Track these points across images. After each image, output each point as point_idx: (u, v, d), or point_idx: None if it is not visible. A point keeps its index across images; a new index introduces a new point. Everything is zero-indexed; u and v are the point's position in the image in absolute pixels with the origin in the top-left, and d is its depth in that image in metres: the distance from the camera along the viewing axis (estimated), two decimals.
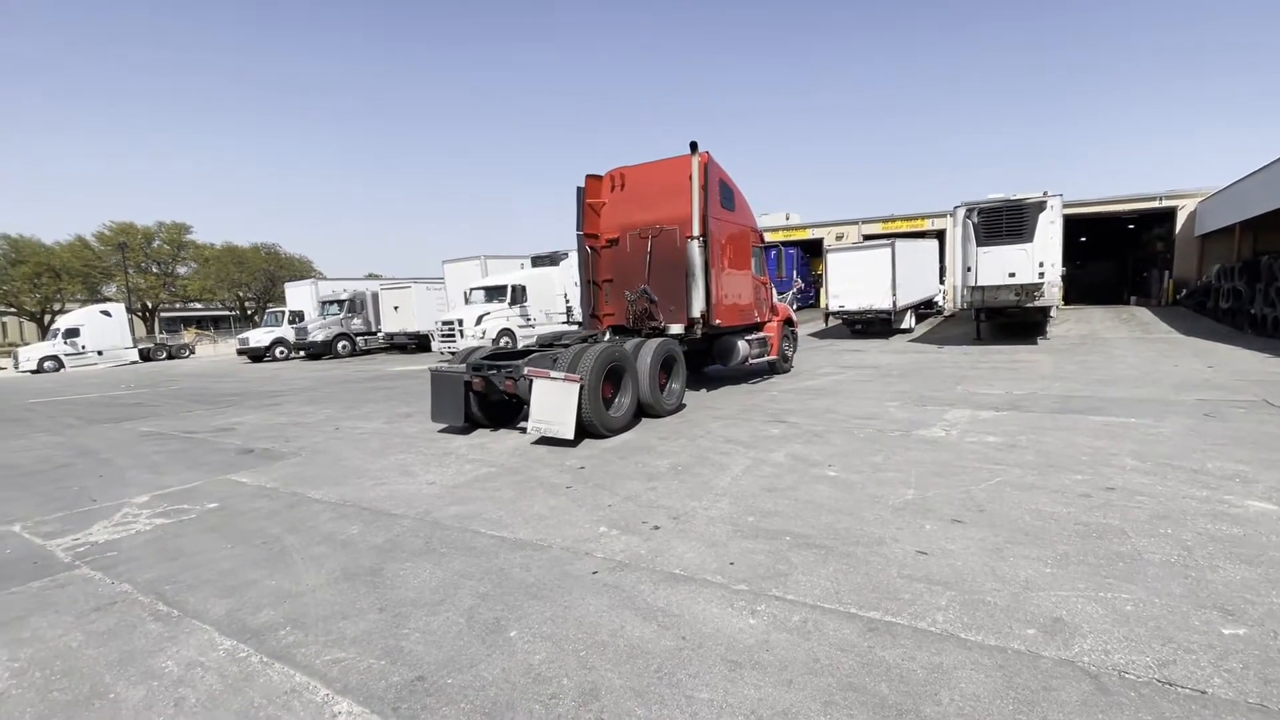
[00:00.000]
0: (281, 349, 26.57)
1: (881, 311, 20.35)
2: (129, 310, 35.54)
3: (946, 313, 28.32)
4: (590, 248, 10.84)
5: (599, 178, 10.89)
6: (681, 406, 9.26)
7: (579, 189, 10.72)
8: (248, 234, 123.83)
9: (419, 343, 25.12)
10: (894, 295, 19.96)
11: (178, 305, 59.32)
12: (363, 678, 2.79)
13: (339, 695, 2.66)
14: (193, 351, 36.26)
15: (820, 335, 22.82)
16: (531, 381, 7.21)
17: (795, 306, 33.96)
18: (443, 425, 8.60)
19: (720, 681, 2.65)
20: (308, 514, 5.21)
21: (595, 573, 3.78)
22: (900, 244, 20.77)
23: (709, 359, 11.38)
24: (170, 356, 33.68)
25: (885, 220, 34.99)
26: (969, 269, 16.28)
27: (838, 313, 21.41)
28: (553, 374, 7.10)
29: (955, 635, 2.91)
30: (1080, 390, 9.48)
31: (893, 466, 5.77)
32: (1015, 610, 3.11)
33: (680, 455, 6.59)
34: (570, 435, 6.94)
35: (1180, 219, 27.97)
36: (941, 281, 28.52)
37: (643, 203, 10.44)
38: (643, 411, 8.50)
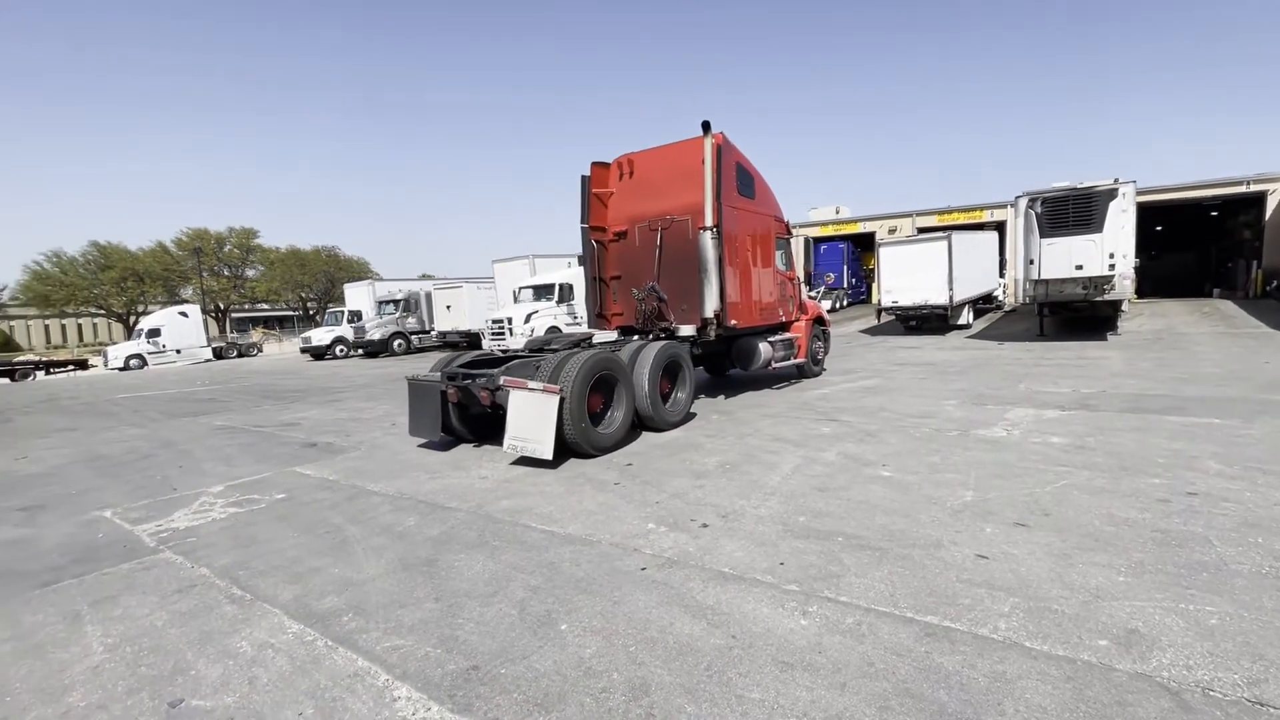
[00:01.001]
0: (341, 347, 27.68)
1: (937, 307, 19.64)
2: (203, 311, 37.77)
3: (1007, 308, 27.13)
4: (596, 242, 9.98)
5: (606, 165, 10.01)
6: (689, 417, 8.35)
7: (583, 178, 9.87)
8: (309, 237, 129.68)
9: (470, 341, 25.73)
10: (950, 290, 19.23)
11: (246, 306, 62.53)
12: (420, 664, 2.88)
13: (399, 681, 2.76)
14: (260, 350, 38.25)
15: (872, 332, 22.23)
16: (509, 392, 6.33)
17: (844, 303, 33.32)
18: (421, 440, 7.78)
19: (771, 682, 2.62)
20: (367, 506, 5.42)
21: (644, 569, 3.80)
22: (957, 236, 20.01)
23: (730, 362, 10.42)
24: (240, 354, 35.63)
25: (941, 212, 33.76)
26: (1031, 261, 15.51)
27: (891, 308, 20.79)
28: (530, 384, 6.20)
29: (1019, 644, 2.79)
30: (1156, 389, 8.92)
31: (950, 467, 5.57)
32: (1085, 620, 2.95)
33: (728, 453, 6.54)
34: (548, 455, 6.04)
35: (1270, 204, 25.93)
36: (1001, 275, 27.33)
37: (652, 191, 9.53)
38: (642, 425, 7.62)
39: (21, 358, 35.41)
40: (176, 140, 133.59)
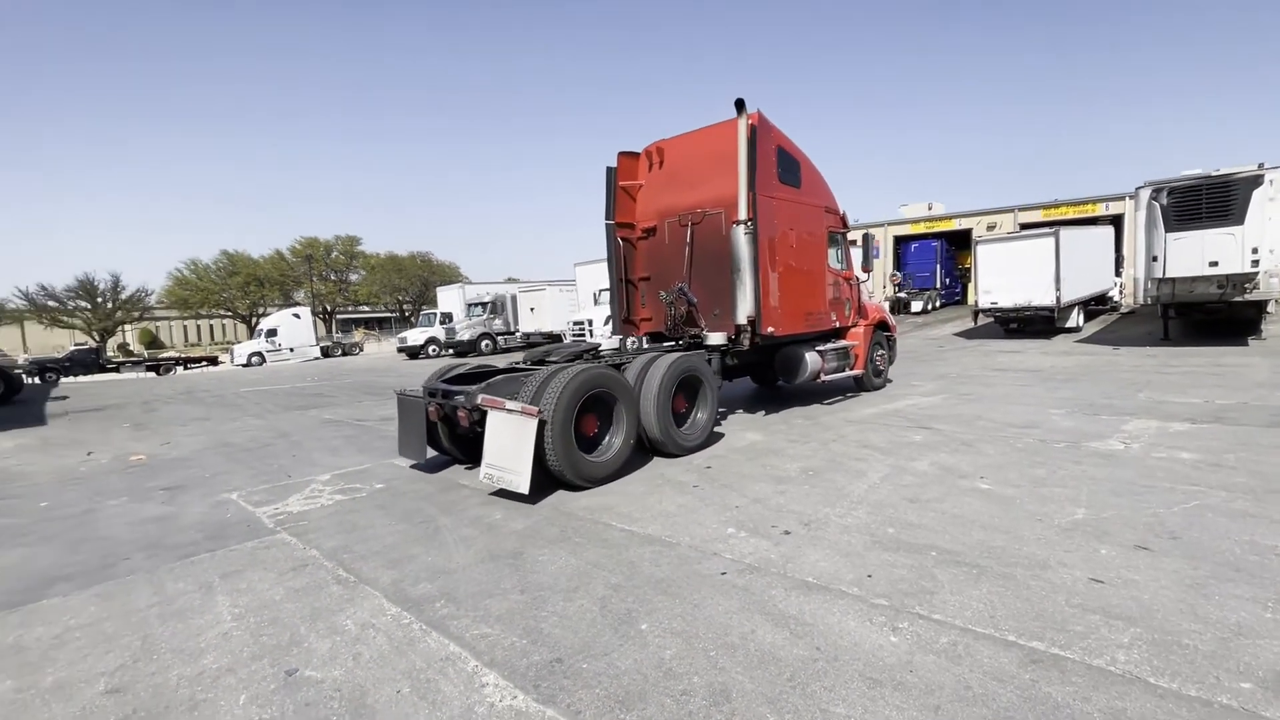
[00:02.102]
0: (434, 347, 29.24)
1: (1042, 308, 18.23)
2: (313, 313, 41.03)
3: (1124, 309, 24.76)
4: (623, 239, 9.13)
5: (635, 155, 9.17)
6: (713, 439, 7.26)
7: (609, 170, 9.01)
8: (406, 243, 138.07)
9: (553, 342, 26.52)
10: (1057, 290, 17.80)
11: (349, 308, 67.34)
12: (507, 654, 2.99)
13: (487, 668, 2.88)
14: (361, 349, 41.09)
15: (968, 335, 20.95)
16: (486, 413, 5.49)
17: (936, 304, 31.53)
18: (411, 462, 6.96)
19: (858, 698, 2.52)
20: (458, 498, 5.69)
21: (724, 574, 3.76)
22: (1066, 232, 18.49)
23: (773, 374, 9.27)
24: (344, 353, 38.42)
25: (1047, 206, 31.30)
26: (1155, 258, 14.05)
27: (989, 310, 19.50)
28: (508, 405, 5.28)
29: (1142, 679, 2.54)
30: None
31: (1058, 481, 5.15)
32: (1223, 658, 2.64)
33: (811, 459, 6.36)
34: (524, 489, 5.10)
35: None
36: (1118, 274, 24.98)
37: (684, 182, 8.60)
38: (653, 450, 6.67)
39: (165, 355, 39.90)
40: (293, 148, 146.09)
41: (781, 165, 8.15)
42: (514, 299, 29.29)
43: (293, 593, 3.81)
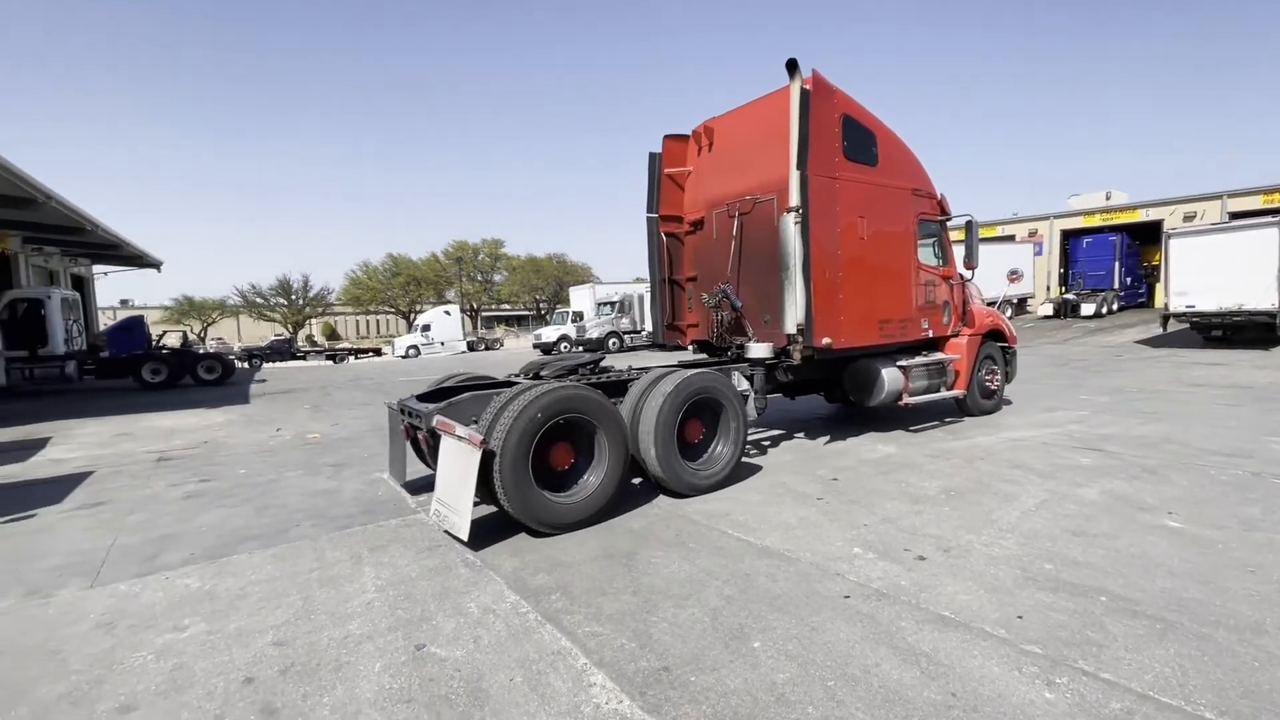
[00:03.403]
0: (565, 344, 30.65)
1: (1259, 313, 15.25)
2: (462, 310, 44.77)
3: None
4: (667, 234, 8.04)
5: (683, 139, 8.08)
6: (736, 474, 5.87)
7: (652, 156, 8.00)
8: (545, 244, 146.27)
9: None
10: None
11: (492, 306, 72.47)
12: (615, 655, 2.99)
13: (595, 667, 2.90)
14: (501, 344, 44.15)
15: (1154, 343, 18.08)
16: (440, 437, 4.70)
17: (1113, 307, 27.50)
18: (398, 480, 6.25)
19: None
20: None
21: (847, 597, 3.50)
22: None
23: (842, 391, 7.92)
24: (486, 348, 41.50)
25: (1268, 191, 26.13)
26: None
27: (1184, 314, 16.66)
28: (458, 430, 4.44)
29: None
30: None
31: (1278, 525, 4.23)
32: None
33: (953, 478, 5.78)
34: (463, 533, 4.28)
35: None
36: None
37: (734, 165, 7.41)
38: (659, 488, 5.59)
39: (340, 346, 45.58)
40: (439, 154, 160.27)
41: (849, 138, 6.74)
42: (640, 298, 29.90)
43: (426, 571, 4.11)
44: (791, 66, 6.32)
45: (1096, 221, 31.87)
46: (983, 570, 3.76)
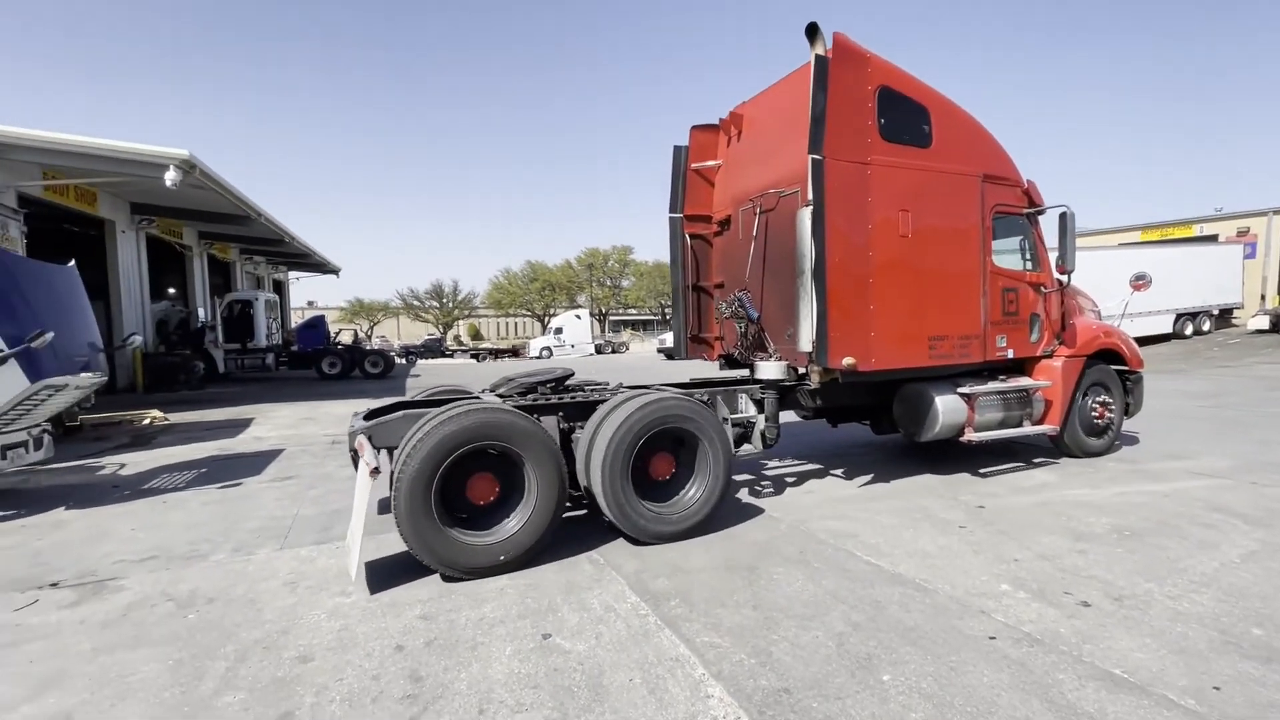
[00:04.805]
0: None
1: None
2: (591, 314, 46.65)
3: None
4: (693, 235, 7.15)
5: (711, 129, 7.08)
6: (704, 525, 4.82)
7: (677, 150, 7.09)
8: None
9: None
10: None
11: (620, 310, 74.65)
12: (734, 670, 2.95)
13: (714, 679, 2.88)
14: (628, 347, 45.36)
15: None
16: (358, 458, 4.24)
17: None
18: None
19: None
20: None
21: (993, 638, 3.18)
22: None
23: (889, 422, 6.72)
24: (613, 350, 42.92)
25: None
26: None
27: None
28: (365, 453, 4.10)
29: None
30: None
31: None
32: None
33: (1128, 514, 5.04)
34: (352, 571, 3.76)
35: None
36: None
37: (761, 154, 6.41)
38: (613, 527, 4.76)
39: (482, 346, 49.35)
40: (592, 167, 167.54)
41: (888, 114, 5.59)
42: None
43: (554, 564, 4.31)
44: (812, 31, 5.30)
45: None
46: (1166, 627, 3.24)
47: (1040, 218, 6.83)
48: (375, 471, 3.86)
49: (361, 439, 4.31)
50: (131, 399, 14.64)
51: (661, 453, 4.84)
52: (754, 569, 4.16)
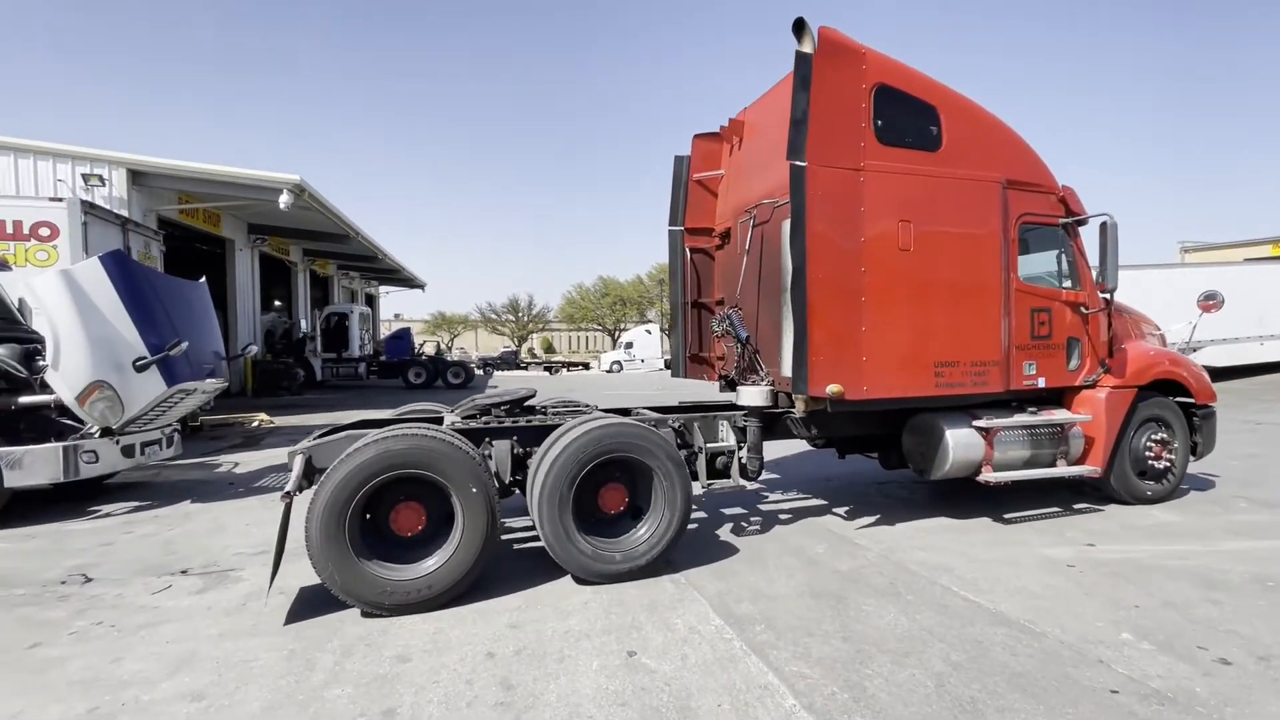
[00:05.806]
0: None
1: None
2: (661, 330, 46.83)
3: None
4: (695, 249, 6.77)
5: (714, 137, 6.68)
6: (660, 563, 4.43)
7: (678, 160, 6.79)
8: None
9: None
10: None
11: None
12: (826, 704, 2.85)
13: (805, 711, 2.79)
14: None
15: None
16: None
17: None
18: None
19: None
20: (773, 522, 5.71)
21: (1115, 692, 2.92)
22: None
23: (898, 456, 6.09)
24: None
25: None
26: None
27: None
28: (292, 474, 4.00)
29: None
30: None
31: None
32: None
33: (1269, 564, 4.53)
34: (265, 593, 3.89)
35: None
36: None
37: (759, 162, 5.97)
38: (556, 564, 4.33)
39: (555, 359, 50.53)
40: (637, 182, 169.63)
41: (886, 115, 5.01)
42: None
43: (638, 584, 4.32)
44: (799, 27, 4.76)
45: None
46: None
47: (1082, 229, 5.99)
48: (287, 495, 3.75)
49: (299, 458, 4.09)
50: (242, 402, 15.96)
51: (612, 484, 4.52)
52: (842, 598, 4.02)
